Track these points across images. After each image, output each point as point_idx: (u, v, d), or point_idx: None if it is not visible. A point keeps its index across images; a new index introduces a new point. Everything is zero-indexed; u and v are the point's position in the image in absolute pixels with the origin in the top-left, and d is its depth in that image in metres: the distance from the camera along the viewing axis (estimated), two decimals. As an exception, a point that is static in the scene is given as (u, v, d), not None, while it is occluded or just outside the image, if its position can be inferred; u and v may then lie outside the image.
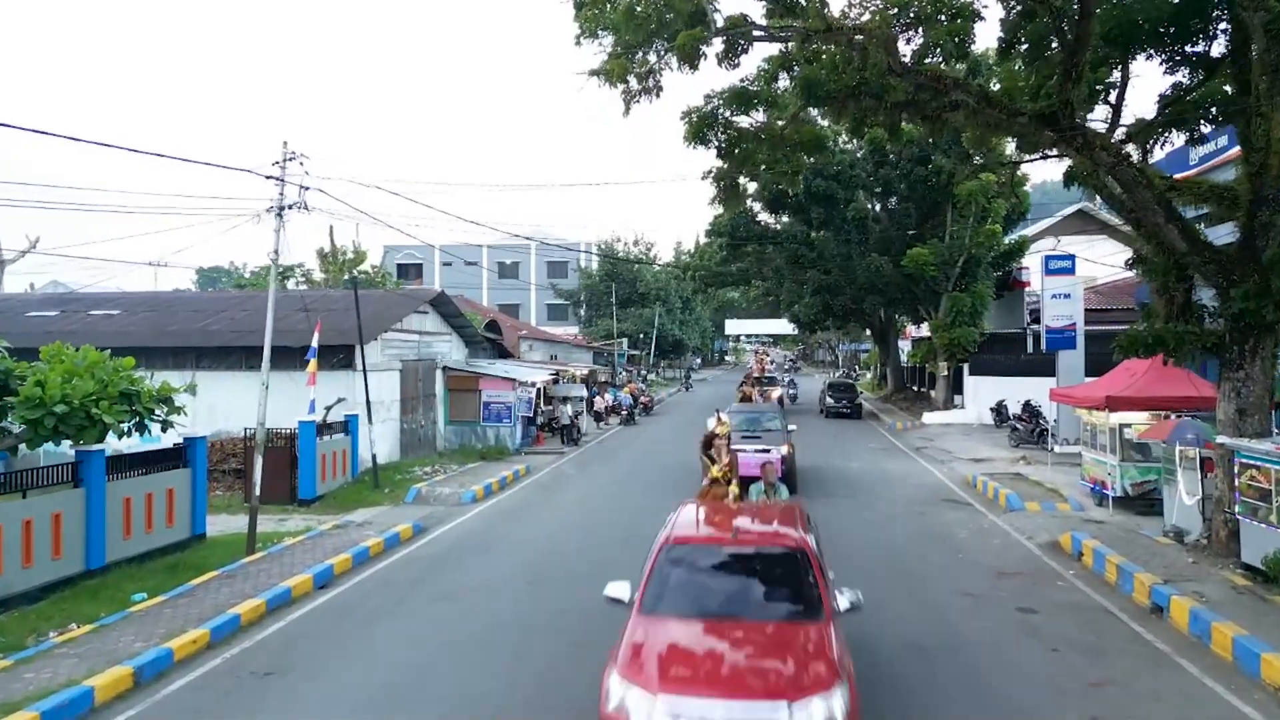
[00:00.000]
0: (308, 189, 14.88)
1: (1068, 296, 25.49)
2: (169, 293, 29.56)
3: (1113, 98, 13.73)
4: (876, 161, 37.09)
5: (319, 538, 15.28)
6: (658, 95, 13.44)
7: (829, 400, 40.23)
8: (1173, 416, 17.59)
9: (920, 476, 22.84)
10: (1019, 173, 37.25)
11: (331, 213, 15.69)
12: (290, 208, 14.65)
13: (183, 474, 15.41)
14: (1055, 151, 14.68)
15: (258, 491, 14.69)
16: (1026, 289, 38.48)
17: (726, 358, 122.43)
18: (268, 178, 14.26)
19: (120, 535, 13.84)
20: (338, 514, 18.33)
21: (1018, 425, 28.19)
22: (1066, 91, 11.27)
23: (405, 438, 25.06)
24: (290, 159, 14.60)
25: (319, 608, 11.78)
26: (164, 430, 14.70)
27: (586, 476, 23.09)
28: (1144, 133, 13.95)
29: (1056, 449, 24.46)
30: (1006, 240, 37.02)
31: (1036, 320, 37.96)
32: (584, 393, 34.12)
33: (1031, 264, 38.54)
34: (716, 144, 16.44)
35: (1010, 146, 37.00)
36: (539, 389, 31.34)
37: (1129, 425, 17.56)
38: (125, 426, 14.18)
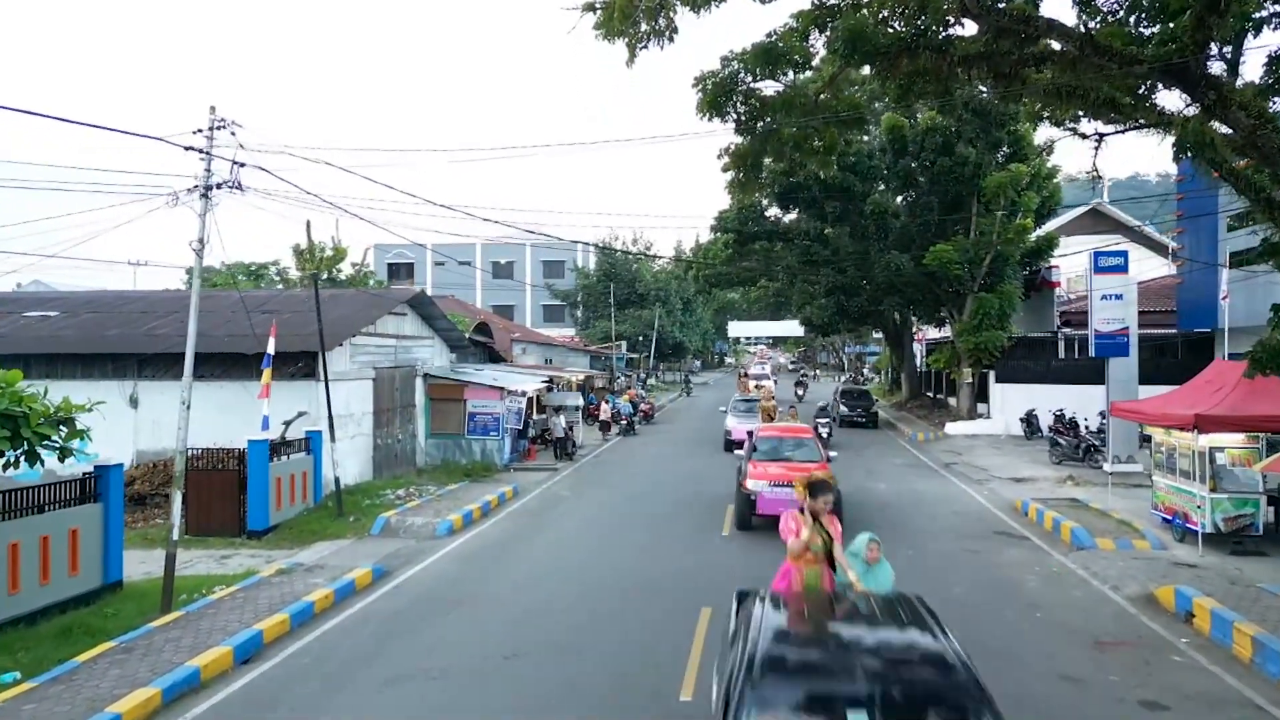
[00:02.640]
0: (242, 165, 12.20)
1: (1119, 297, 22.83)
2: (113, 292, 26.79)
3: (1227, 51, 11.08)
4: (896, 151, 34.40)
5: (255, 587, 12.60)
6: (670, 39, 10.81)
7: (843, 409, 37.58)
8: (1260, 437, 15.12)
9: (959, 500, 20.19)
10: (1049, 165, 34.73)
11: (269, 193, 13.15)
12: (218, 187, 11.96)
13: (91, 510, 12.72)
14: (1143, 120, 12.11)
15: (176, 534, 12.01)
16: (1056, 289, 35.93)
17: (726, 360, 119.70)
18: (187, 148, 11.58)
19: (3, 590, 11.17)
20: (290, 549, 15.70)
21: (1060, 440, 25.53)
22: (1208, 27, 8.66)
23: (379, 454, 22.38)
24: (219, 127, 11.93)
25: (231, 699, 9.10)
26: (62, 459, 12.01)
27: (583, 501, 20.40)
28: (1260, 97, 11.31)
29: (1109, 468, 21.83)
30: (1032, 237, 34.39)
31: (1068, 323, 35.43)
32: (579, 401, 31.45)
33: (1061, 263, 36.00)
34: (735, 116, 13.84)
35: (1039, 135, 34.69)
36: (531, 398, 28.67)
37: (1221, 449, 14.96)
38: (12, 455, 11.59)
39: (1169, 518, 15.99)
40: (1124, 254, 23.92)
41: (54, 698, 8.72)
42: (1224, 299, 23.27)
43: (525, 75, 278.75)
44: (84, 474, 12.96)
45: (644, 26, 10.72)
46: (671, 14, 10.72)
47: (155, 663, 9.58)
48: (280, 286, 37.30)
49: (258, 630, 10.60)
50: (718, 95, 13.45)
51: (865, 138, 34.78)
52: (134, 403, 19.94)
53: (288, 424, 18.80)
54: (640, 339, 62.02)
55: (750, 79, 13.50)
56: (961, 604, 12.07)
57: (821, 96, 13.10)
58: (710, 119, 13.66)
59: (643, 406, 39.23)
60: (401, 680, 9.46)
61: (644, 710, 8.64)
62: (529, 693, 9.08)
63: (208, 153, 11.85)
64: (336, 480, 18.17)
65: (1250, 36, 9.93)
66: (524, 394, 27.13)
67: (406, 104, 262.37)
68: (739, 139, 14.48)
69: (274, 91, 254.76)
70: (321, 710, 8.75)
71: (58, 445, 11.80)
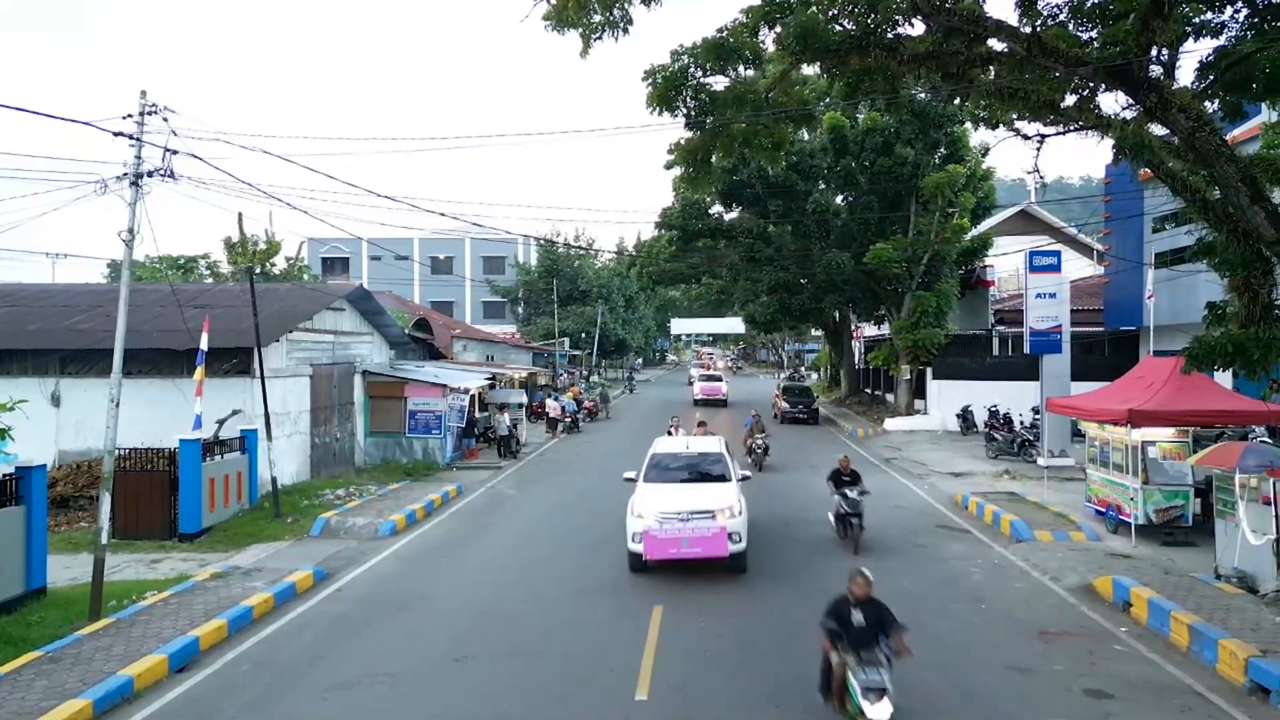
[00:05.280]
0: (175, 152, 11.69)
1: (1053, 296, 23.43)
2: (33, 285, 25.61)
3: (1165, 54, 11.39)
4: (837, 151, 34.81)
5: (190, 592, 12.11)
6: (625, 31, 10.67)
7: (784, 405, 37.91)
8: (1189, 431, 15.68)
9: (902, 496, 20.48)
10: (985, 166, 35.54)
11: (204, 182, 12.51)
12: (150, 175, 11.45)
13: (13, 513, 12.05)
14: (1083, 122, 12.39)
15: (105, 538, 11.47)
16: (991, 288, 36.81)
17: (669, 357, 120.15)
18: (116, 134, 11.04)
19: (-83, 599, 10.55)
20: (226, 552, 15.17)
21: (995, 435, 26.14)
22: (1151, 31, 8.86)
23: (317, 454, 21.80)
24: (150, 112, 11.42)
25: (167, 709, 8.71)
26: (-18, 460, 11.40)
27: (528, 500, 20.16)
28: (1197, 99, 11.66)
29: (1043, 462, 22.40)
30: (968, 237, 35.15)
31: (1001, 321, 36.32)
32: (523, 399, 31.11)
33: (994, 263, 36.90)
34: (685, 111, 13.75)
35: (975, 138, 35.47)
36: (473, 395, 28.25)
37: (1153, 443, 15.43)
38: (-74, 456, 10.97)
39: (1103, 510, 16.44)
40: (1058, 254, 24.58)
41: (-26, 712, 8.23)
42: (1149, 298, 24.10)
43: (472, 70, 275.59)
44: (5, 475, 12.28)
45: (598, 17, 10.58)
46: (627, 5, 10.59)
47: (85, 672, 9.13)
48: (210, 281, 36.14)
49: (194, 637, 10.19)
50: (668, 89, 13.36)
51: (807, 137, 35.13)
52: (56, 401, 19.08)
53: (221, 423, 18.16)
54: (583, 335, 61.73)
55: (701, 74, 13.45)
56: (910, 597, 12.19)
57: (771, 94, 13.12)
58: (660, 113, 13.55)
59: (586, 404, 39.01)
60: (347, 686, 9.17)
61: (600, 710, 8.52)
62: (482, 695, 8.88)
63: (138, 139, 11.33)
64: (274, 480, 17.62)
65: (1191, 40, 10.22)
66: (466, 391, 26.75)
67: (351, 95, 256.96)
68: (688, 134, 14.42)
69: (210, 78, 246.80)
70: (263, 719, 8.43)
71: (-26, 446, 11.23)
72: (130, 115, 11.27)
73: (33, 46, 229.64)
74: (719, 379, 47.59)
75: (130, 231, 11.30)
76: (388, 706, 8.66)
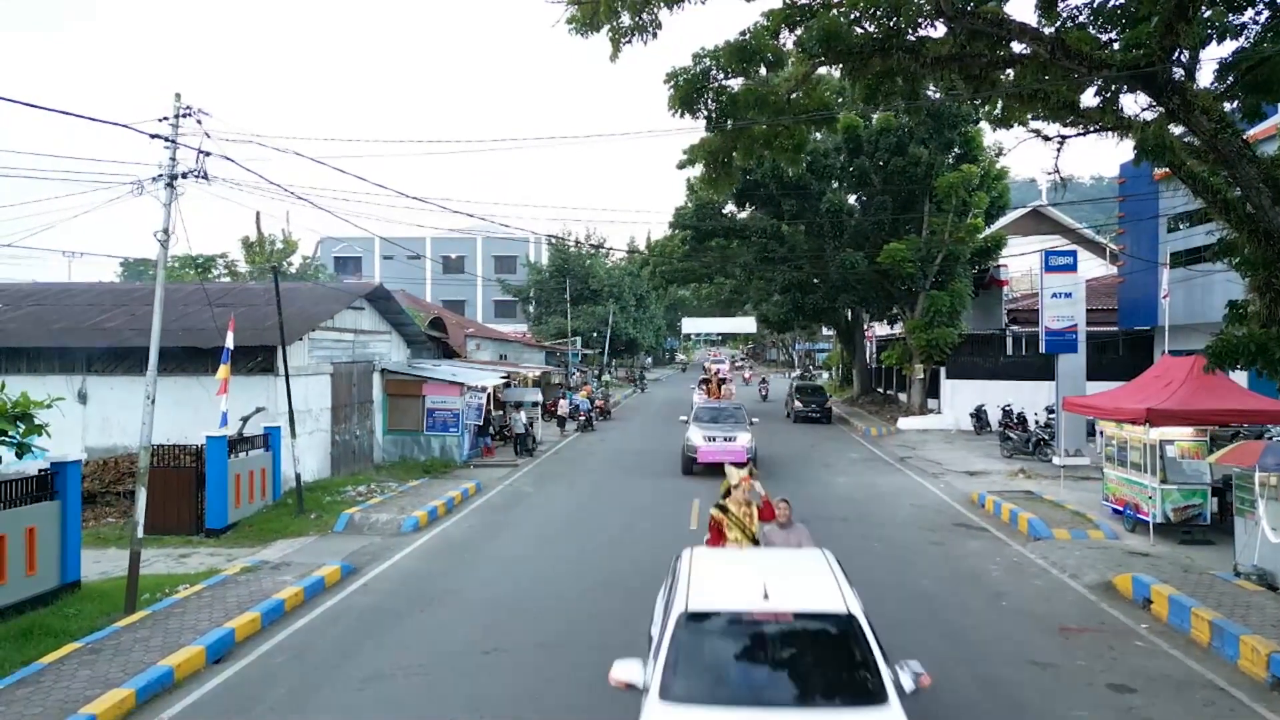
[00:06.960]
0: (208, 154, 11.90)
1: (1069, 295, 23.51)
2: (58, 284, 25.98)
3: (1186, 57, 11.47)
4: (851, 151, 34.89)
5: (221, 586, 12.33)
6: (654, 35, 10.82)
7: (797, 404, 38.01)
8: (1207, 430, 15.75)
9: (918, 494, 20.59)
10: (999, 166, 35.56)
11: (236, 183, 12.77)
12: (184, 176, 11.66)
13: (49, 508, 12.30)
14: (1104, 123, 12.48)
15: (140, 532, 11.68)
16: (1004, 288, 36.84)
17: (678, 356, 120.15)
18: (153, 136, 11.25)
19: (-44, 592, 10.78)
20: (252, 547, 15.39)
21: (1010, 434, 26.20)
22: (1174, 34, 8.97)
23: (337, 451, 22.03)
24: (184, 115, 11.63)
25: (207, 698, 8.91)
26: (20, 455, 11.61)
27: (547, 497, 20.34)
28: (1218, 101, 11.74)
29: (1058, 461, 22.48)
30: (981, 236, 35.17)
31: (1015, 321, 36.35)
32: (538, 397, 31.32)
33: (1009, 263, 36.91)
34: (706, 113, 13.86)
35: (990, 139, 35.55)
36: (489, 394, 28.47)
37: (1170, 442, 15.50)
38: (-34, 451, 11.18)
39: (1120, 508, 16.52)
40: (1073, 253, 24.64)
41: (23, 700, 8.45)
42: (1165, 298, 24.12)
43: (494, 71, 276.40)
44: (40, 470, 12.53)
45: (627, 20, 10.73)
46: (655, 9, 10.73)
47: (126, 663, 9.34)
48: (228, 279, 36.44)
49: (229, 629, 10.39)
50: (690, 92, 13.45)
51: (819, 136, 35.21)
52: (83, 398, 19.35)
53: (245, 420, 18.39)
54: (594, 335, 61.90)
55: (722, 76, 13.56)
56: (930, 595, 12.36)
57: (793, 96, 13.24)
58: (681, 115, 13.66)
59: (598, 402, 39.16)
60: (381, 677, 9.36)
61: (630, 701, 8.66)
62: (513, 686, 9.06)
63: (173, 140, 11.54)
64: (298, 477, 17.83)
65: (1215, 44, 10.31)
66: (483, 390, 26.95)
67: (372, 96, 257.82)
68: (706, 135, 14.54)
69: (231, 78, 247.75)
70: (302, 708, 8.63)
71: (15, 441, 11.45)
72: (165, 118, 11.48)
73: (37, 44, 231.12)
74: (739, 419, 24.10)
75: (165, 231, 11.52)
76: (422, 696, 8.85)
